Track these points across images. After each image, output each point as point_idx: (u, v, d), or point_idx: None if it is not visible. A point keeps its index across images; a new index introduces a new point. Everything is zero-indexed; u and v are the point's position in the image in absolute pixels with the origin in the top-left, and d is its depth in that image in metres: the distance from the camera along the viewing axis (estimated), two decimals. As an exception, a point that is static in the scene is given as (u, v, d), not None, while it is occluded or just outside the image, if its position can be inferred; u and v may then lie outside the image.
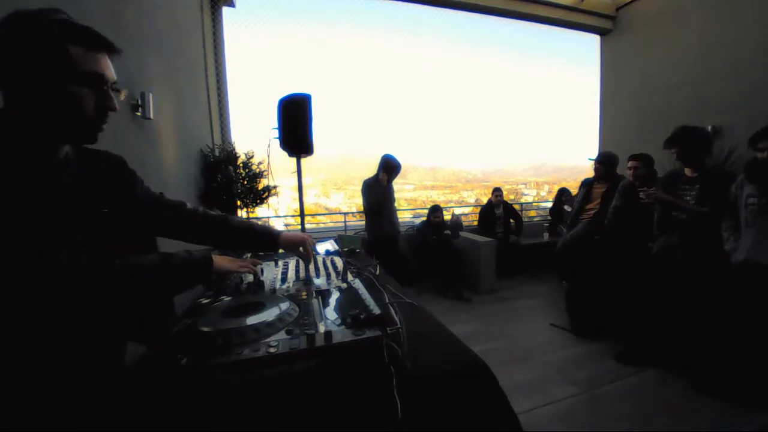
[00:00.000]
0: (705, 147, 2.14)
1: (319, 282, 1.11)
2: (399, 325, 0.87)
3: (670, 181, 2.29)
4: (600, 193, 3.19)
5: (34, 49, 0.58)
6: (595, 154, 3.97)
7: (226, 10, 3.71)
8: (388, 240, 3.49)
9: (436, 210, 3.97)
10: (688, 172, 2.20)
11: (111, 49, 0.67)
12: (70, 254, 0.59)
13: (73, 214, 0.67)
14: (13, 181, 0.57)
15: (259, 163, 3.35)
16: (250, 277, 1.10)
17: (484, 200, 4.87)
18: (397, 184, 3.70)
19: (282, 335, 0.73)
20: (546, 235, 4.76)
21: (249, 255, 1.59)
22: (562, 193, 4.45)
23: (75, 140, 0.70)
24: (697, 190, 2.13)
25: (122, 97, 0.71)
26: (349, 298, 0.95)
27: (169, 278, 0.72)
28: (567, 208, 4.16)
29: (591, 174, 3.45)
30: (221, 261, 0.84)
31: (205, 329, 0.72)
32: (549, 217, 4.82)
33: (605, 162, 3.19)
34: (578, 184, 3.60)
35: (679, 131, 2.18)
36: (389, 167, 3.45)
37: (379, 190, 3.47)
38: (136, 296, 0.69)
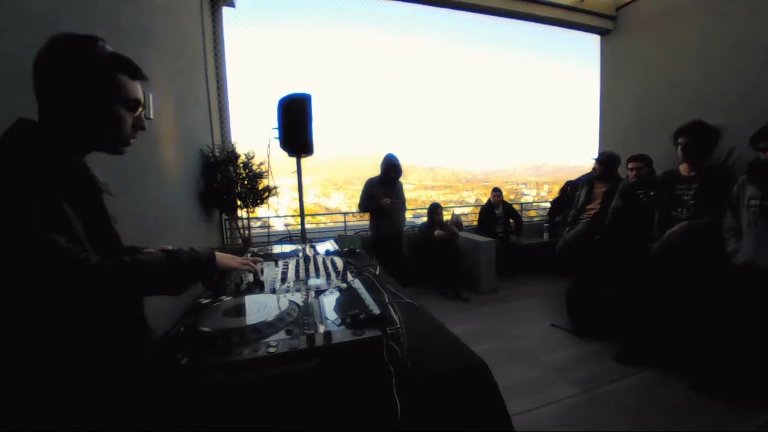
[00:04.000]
0: (710, 145, 2.13)
1: (319, 282, 1.11)
2: (399, 325, 0.87)
3: (666, 181, 2.28)
4: (601, 193, 3.19)
5: (87, 75, 0.67)
6: (596, 154, 3.97)
7: (226, 10, 3.71)
8: (387, 238, 3.49)
9: (437, 208, 3.98)
10: (683, 170, 2.20)
11: (144, 78, 0.77)
12: (99, 257, 0.62)
13: (90, 216, 0.71)
14: (45, 188, 0.60)
15: (260, 164, 3.35)
16: (250, 277, 1.11)
17: (484, 200, 4.87)
18: (402, 183, 3.71)
19: (282, 335, 0.73)
20: (546, 235, 4.75)
21: (249, 254, 1.59)
22: (569, 185, 4.38)
23: (108, 150, 0.76)
24: (695, 189, 2.13)
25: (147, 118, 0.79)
26: (349, 298, 0.95)
27: (174, 275, 0.72)
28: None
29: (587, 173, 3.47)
30: (224, 258, 0.86)
31: (205, 329, 0.72)
32: (548, 218, 4.77)
33: (605, 162, 3.19)
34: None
35: (694, 123, 2.16)
36: (384, 166, 3.49)
37: (372, 188, 3.47)
38: (142, 293, 0.73)
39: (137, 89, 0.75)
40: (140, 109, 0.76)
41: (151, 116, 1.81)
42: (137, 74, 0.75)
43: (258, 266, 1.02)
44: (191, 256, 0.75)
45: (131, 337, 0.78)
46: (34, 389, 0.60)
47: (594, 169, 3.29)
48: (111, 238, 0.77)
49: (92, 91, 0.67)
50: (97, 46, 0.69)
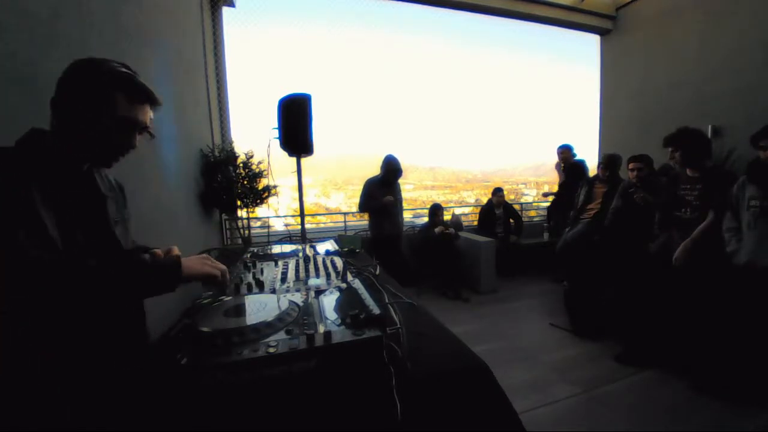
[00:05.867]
0: (703, 150, 2.14)
1: (319, 282, 1.11)
2: (399, 325, 0.87)
3: (671, 182, 2.30)
4: (601, 193, 3.20)
5: (88, 90, 0.71)
6: (588, 157, 4.01)
7: (226, 10, 3.70)
8: (388, 239, 3.49)
9: (438, 209, 3.98)
10: (689, 172, 2.21)
11: (153, 102, 0.79)
12: (55, 253, 0.62)
13: (91, 221, 0.76)
14: (23, 194, 0.62)
15: (259, 163, 3.35)
16: (250, 277, 1.11)
17: (484, 200, 4.86)
18: (399, 183, 3.71)
19: (282, 335, 0.73)
20: (546, 235, 4.75)
21: (249, 255, 1.59)
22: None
23: (97, 163, 0.80)
24: (698, 190, 2.14)
25: (151, 138, 0.85)
26: (349, 298, 0.95)
27: (128, 284, 0.69)
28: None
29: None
30: (192, 263, 0.78)
31: (205, 329, 0.72)
32: (548, 222, 4.76)
33: (609, 165, 3.22)
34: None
35: (678, 132, 2.17)
36: (385, 169, 3.49)
37: (372, 188, 3.47)
38: (98, 297, 0.66)
39: (136, 109, 0.75)
40: (135, 129, 0.77)
41: (151, 116, 1.81)
42: (140, 96, 0.76)
43: (227, 278, 0.85)
44: (146, 264, 0.74)
45: (127, 345, 0.78)
46: (34, 389, 0.60)
47: (601, 172, 3.32)
48: (111, 242, 0.79)
49: (85, 106, 0.71)
50: (101, 65, 0.72)
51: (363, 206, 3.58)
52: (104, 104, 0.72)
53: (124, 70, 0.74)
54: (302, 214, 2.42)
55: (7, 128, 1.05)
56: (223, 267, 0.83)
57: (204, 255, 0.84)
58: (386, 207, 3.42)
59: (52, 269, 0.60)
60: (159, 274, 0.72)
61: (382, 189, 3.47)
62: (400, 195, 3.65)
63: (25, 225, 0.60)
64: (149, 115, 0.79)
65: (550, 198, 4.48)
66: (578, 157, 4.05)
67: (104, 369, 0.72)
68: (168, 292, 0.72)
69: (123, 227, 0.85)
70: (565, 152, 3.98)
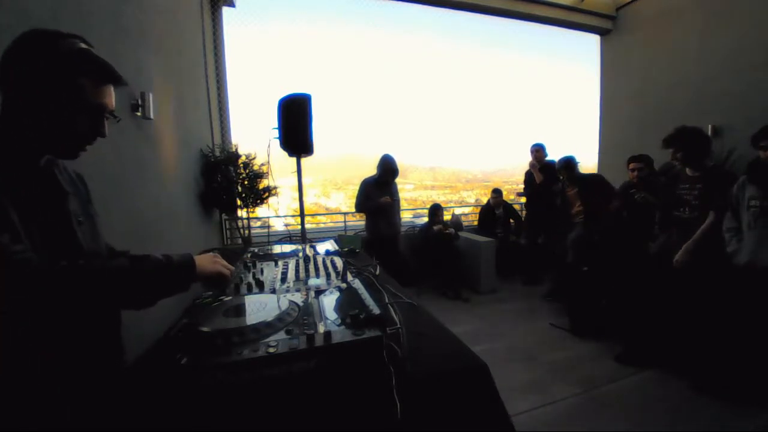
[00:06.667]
0: (704, 148, 2.14)
1: (319, 282, 1.11)
2: (399, 325, 0.87)
3: (670, 181, 2.30)
4: (575, 195, 3.26)
5: (48, 74, 0.62)
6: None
7: (226, 10, 3.70)
8: (385, 239, 3.48)
9: (437, 209, 3.98)
10: (688, 171, 2.21)
11: (118, 82, 0.71)
12: (46, 257, 0.58)
13: (49, 220, 0.67)
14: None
15: (261, 165, 3.35)
16: (250, 277, 1.11)
17: (484, 200, 4.86)
18: (397, 183, 3.70)
19: (282, 335, 0.73)
20: (544, 236, 4.75)
21: (249, 255, 1.59)
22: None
23: (59, 155, 0.72)
24: (698, 190, 2.13)
25: (117, 121, 0.75)
26: (349, 298, 0.95)
27: (137, 285, 0.65)
28: None
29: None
30: (205, 262, 0.76)
31: (205, 329, 0.72)
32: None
33: (566, 167, 3.27)
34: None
35: (677, 132, 2.17)
36: (381, 170, 3.48)
37: (368, 189, 3.47)
38: (97, 302, 0.64)
39: (104, 93, 0.68)
40: (104, 115, 0.69)
41: (151, 116, 1.81)
42: (105, 78, 0.68)
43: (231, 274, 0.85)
44: (161, 264, 0.68)
45: (99, 359, 0.72)
46: (32, 390, 0.60)
47: (561, 175, 3.39)
48: (73, 243, 0.69)
49: (44, 92, 0.62)
50: (59, 43, 0.63)
51: (359, 206, 3.57)
52: (68, 91, 0.63)
53: (84, 46, 0.66)
54: (302, 214, 2.42)
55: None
56: (232, 267, 0.83)
57: (213, 254, 0.84)
58: (383, 207, 3.41)
59: (56, 276, 0.56)
60: (174, 273, 0.69)
61: (379, 189, 3.46)
62: (397, 195, 3.63)
63: (7, 229, 0.55)
64: (113, 96, 0.71)
65: (523, 199, 4.49)
66: (549, 157, 4.04)
67: (103, 368, 0.72)
68: (182, 291, 0.70)
69: (89, 226, 0.76)
70: (539, 152, 3.97)
